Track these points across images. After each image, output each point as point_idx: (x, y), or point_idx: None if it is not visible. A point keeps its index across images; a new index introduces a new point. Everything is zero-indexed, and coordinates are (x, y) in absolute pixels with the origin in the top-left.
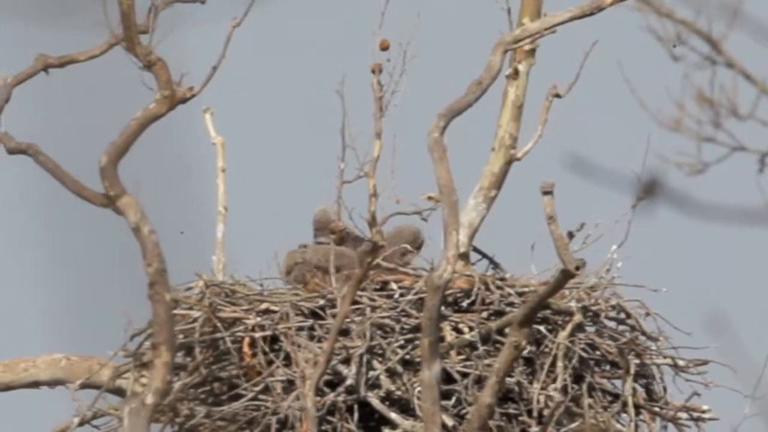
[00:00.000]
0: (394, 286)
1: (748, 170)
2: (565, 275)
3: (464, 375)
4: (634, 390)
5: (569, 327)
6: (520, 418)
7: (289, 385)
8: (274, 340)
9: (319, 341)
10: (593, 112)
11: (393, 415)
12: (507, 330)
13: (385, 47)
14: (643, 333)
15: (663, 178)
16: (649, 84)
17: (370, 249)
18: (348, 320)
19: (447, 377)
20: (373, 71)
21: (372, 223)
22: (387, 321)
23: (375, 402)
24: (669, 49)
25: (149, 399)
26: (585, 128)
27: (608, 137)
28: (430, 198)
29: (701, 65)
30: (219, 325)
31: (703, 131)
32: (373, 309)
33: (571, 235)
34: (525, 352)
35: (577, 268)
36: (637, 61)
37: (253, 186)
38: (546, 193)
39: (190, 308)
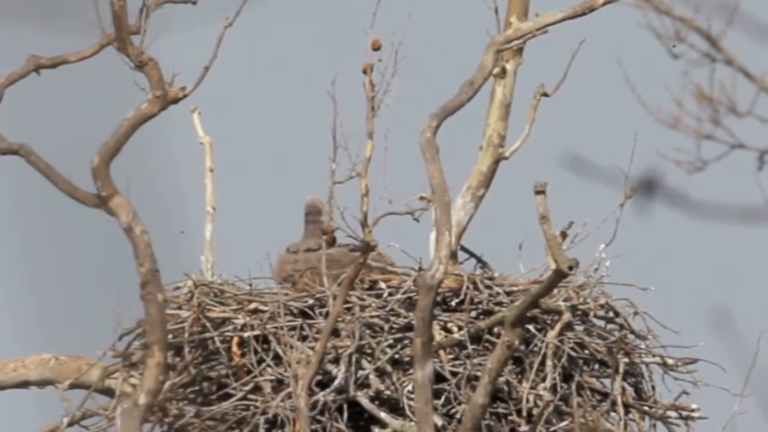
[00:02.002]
0: (382, 285)
1: (747, 168)
2: (558, 275)
3: (454, 374)
4: (623, 389)
5: (558, 326)
6: (510, 418)
7: (279, 385)
8: (263, 339)
9: (305, 339)
10: (589, 111)
11: (382, 415)
12: (496, 329)
13: (376, 47)
14: (632, 332)
15: (659, 177)
16: (648, 81)
17: (362, 249)
18: (337, 320)
19: (436, 376)
20: (365, 71)
21: (364, 223)
22: (376, 320)
23: (364, 401)
24: (668, 46)
25: (142, 399)
26: (580, 126)
27: (606, 135)
28: (422, 198)
29: (700, 62)
30: (208, 324)
31: (702, 129)
32: (363, 308)
33: (563, 234)
34: None
35: (570, 268)
36: (636, 59)
37: (243, 186)
38: (538, 192)
39: (179, 308)
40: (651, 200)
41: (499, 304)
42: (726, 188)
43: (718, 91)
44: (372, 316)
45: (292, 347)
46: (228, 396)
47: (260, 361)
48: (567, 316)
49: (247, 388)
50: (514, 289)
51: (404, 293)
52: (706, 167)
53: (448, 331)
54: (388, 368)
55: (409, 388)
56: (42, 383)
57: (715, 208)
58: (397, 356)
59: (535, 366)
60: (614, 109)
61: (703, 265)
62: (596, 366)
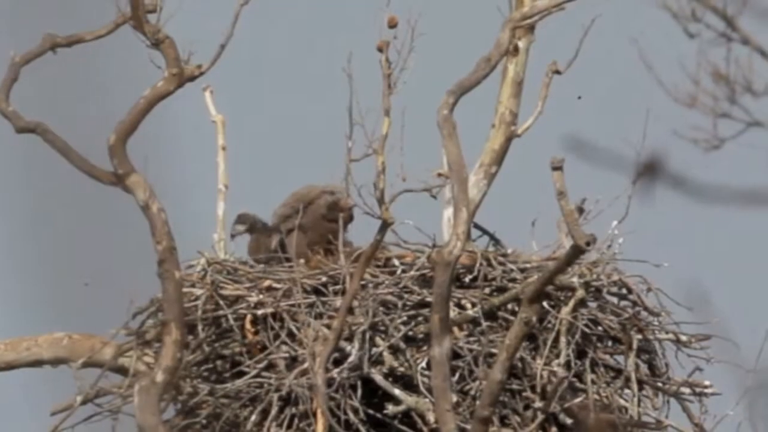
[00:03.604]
0: (396, 262)
1: (764, 145)
2: (576, 251)
3: (468, 351)
4: (637, 365)
5: (572, 302)
6: (524, 394)
7: (292, 362)
8: (276, 317)
9: (320, 317)
10: (604, 88)
11: (396, 392)
12: (510, 305)
13: (393, 24)
14: (645, 308)
15: (662, 160)
16: (664, 60)
17: (379, 227)
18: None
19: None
20: (381, 49)
21: (381, 200)
22: (390, 297)
23: (378, 378)
24: (684, 25)
25: (159, 377)
26: (594, 104)
27: (621, 113)
28: (439, 175)
29: (717, 42)
30: (221, 302)
31: (718, 107)
32: (376, 285)
33: (580, 210)
34: None
35: (588, 244)
36: (652, 38)
37: (258, 163)
38: (556, 168)
39: (193, 286)
40: (654, 184)
41: (513, 280)
42: (742, 166)
43: (735, 69)
44: (386, 293)
45: (309, 325)
46: (242, 374)
47: (274, 338)
48: (580, 293)
49: (261, 365)
50: (528, 265)
51: (418, 270)
52: (722, 145)
53: (462, 307)
54: (402, 345)
55: (423, 365)
56: (55, 362)
57: (717, 190)
58: (410, 333)
59: (549, 342)
60: (630, 88)
61: (714, 243)
62: (610, 343)
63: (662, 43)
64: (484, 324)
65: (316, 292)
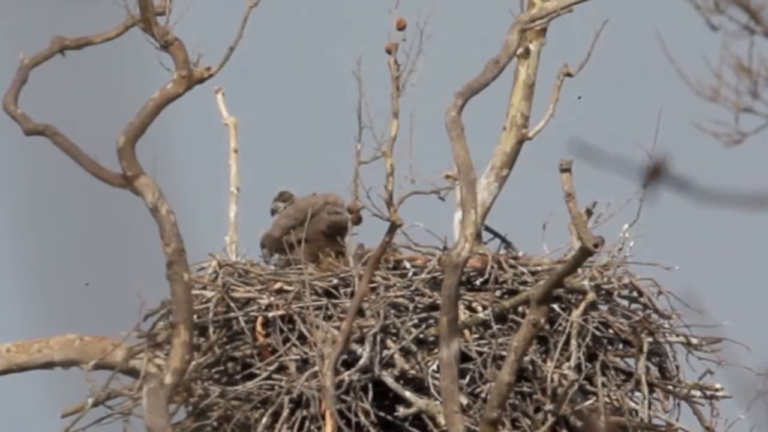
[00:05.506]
0: (407, 264)
1: None
2: (584, 252)
3: (479, 353)
4: (648, 368)
5: (582, 305)
6: (534, 397)
7: (303, 365)
8: (288, 319)
9: (330, 319)
10: (617, 91)
11: (407, 394)
12: (521, 308)
13: (401, 27)
14: (656, 311)
15: (667, 163)
16: (687, 53)
17: (388, 229)
18: (362, 299)
19: (462, 356)
20: (390, 51)
21: (390, 202)
22: (401, 300)
23: (389, 381)
24: (707, 17)
25: (168, 379)
26: (607, 107)
27: (633, 116)
28: (448, 177)
29: (740, 35)
30: (232, 304)
31: (741, 101)
32: (387, 288)
33: (588, 212)
34: None
35: (596, 246)
36: (674, 30)
37: (267, 166)
38: (564, 170)
39: (204, 288)
40: (659, 188)
41: (524, 283)
42: (764, 161)
43: (758, 63)
44: (397, 296)
45: (317, 327)
46: (252, 376)
47: (285, 341)
48: (591, 296)
49: (272, 368)
50: (539, 268)
51: (429, 273)
52: (744, 140)
53: (472, 310)
54: (413, 348)
55: (434, 367)
56: (67, 364)
57: (721, 194)
58: (421, 336)
59: (560, 345)
60: (643, 89)
61: (725, 246)
62: (620, 345)
63: (684, 35)
64: (495, 327)
65: (327, 294)
